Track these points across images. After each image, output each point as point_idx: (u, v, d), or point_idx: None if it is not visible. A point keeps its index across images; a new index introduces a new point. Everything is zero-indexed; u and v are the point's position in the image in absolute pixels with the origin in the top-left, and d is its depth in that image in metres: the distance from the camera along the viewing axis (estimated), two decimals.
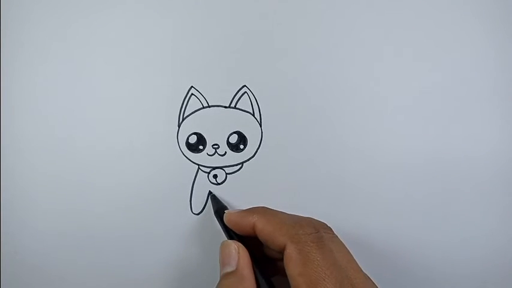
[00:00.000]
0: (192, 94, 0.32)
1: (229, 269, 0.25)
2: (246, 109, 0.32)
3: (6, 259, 0.32)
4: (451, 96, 0.32)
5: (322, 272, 0.22)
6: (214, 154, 0.32)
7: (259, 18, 0.32)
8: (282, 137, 0.32)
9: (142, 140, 0.32)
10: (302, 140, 0.32)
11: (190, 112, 0.32)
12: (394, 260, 0.32)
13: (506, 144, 0.32)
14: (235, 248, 0.25)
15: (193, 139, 0.32)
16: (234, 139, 0.32)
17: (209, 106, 0.32)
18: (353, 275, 0.23)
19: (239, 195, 0.32)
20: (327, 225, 0.25)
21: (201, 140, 0.32)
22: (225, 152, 0.32)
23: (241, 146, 0.32)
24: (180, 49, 0.32)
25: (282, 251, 0.24)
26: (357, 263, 0.24)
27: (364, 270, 0.24)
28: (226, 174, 0.32)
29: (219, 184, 0.32)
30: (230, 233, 0.27)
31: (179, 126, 0.32)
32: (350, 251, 0.24)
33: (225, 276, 0.25)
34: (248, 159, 0.32)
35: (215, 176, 0.32)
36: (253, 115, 0.32)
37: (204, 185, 0.32)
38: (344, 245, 0.25)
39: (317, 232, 0.24)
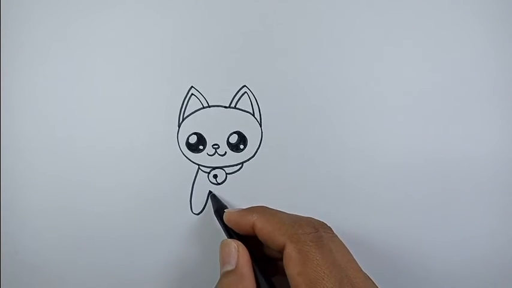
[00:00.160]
0: (192, 94, 0.32)
1: (229, 268, 0.25)
2: (246, 109, 0.32)
3: (6, 259, 0.32)
4: (451, 96, 0.32)
5: (322, 271, 0.22)
6: (214, 154, 0.32)
7: (259, 18, 0.32)
8: (282, 137, 0.32)
9: (143, 140, 0.32)
10: (302, 140, 0.32)
11: (191, 112, 0.32)
12: (394, 259, 0.32)
13: (506, 144, 0.32)
14: (235, 246, 0.25)
15: (193, 139, 0.32)
16: (234, 139, 0.32)
17: (209, 106, 0.32)
18: (352, 275, 0.23)
19: (239, 195, 0.32)
20: (326, 225, 0.25)
21: (201, 140, 0.32)
22: (225, 152, 0.32)
23: (241, 146, 0.32)
24: (180, 49, 0.32)
25: (281, 251, 0.24)
26: (356, 263, 0.24)
27: (364, 270, 0.24)
28: (226, 174, 0.32)
29: (219, 184, 0.32)
30: (230, 232, 0.27)
31: (179, 126, 0.32)
32: (350, 251, 0.24)
33: (224, 275, 0.25)
34: (248, 159, 0.32)
35: (215, 176, 0.32)
36: (253, 115, 0.32)
37: (204, 185, 0.32)
38: (344, 245, 0.25)
39: (316, 231, 0.24)
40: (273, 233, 0.24)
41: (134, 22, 0.32)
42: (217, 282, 0.25)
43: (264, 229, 0.25)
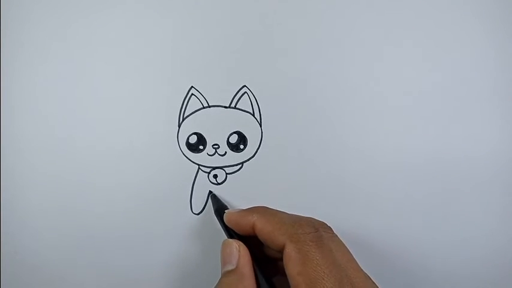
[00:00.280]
0: (192, 94, 0.32)
1: (229, 268, 0.25)
2: (246, 109, 0.32)
3: (6, 259, 0.32)
4: (451, 96, 0.32)
5: (321, 271, 0.22)
6: (214, 154, 0.32)
7: (259, 18, 0.32)
8: (282, 137, 0.32)
9: (143, 140, 0.32)
10: (302, 140, 0.32)
11: (191, 112, 0.32)
12: (393, 259, 0.32)
13: (506, 144, 0.32)
14: (236, 246, 0.25)
15: (193, 139, 0.32)
16: (234, 139, 0.32)
17: (209, 106, 0.32)
18: (353, 274, 0.23)
19: (239, 195, 0.32)
20: (326, 225, 0.25)
21: (201, 140, 0.32)
22: (225, 152, 0.32)
23: (241, 146, 0.32)
24: (180, 49, 0.32)
25: (281, 251, 0.24)
26: (356, 262, 0.24)
27: (363, 270, 0.24)
28: (227, 174, 0.32)
29: (219, 184, 0.32)
30: (230, 233, 0.27)
31: (179, 126, 0.32)
32: (350, 251, 0.24)
33: (225, 274, 0.25)
34: (248, 159, 0.32)
35: (215, 176, 0.32)
36: (253, 115, 0.32)
37: (204, 185, 0.32)
38: (344, 245, 0.25)
39: (316, 231, 0.24)
40: (273, 233, 0.24)
41: (134, 22, 0.32)
42: (217, 281, 0.25)
43: (264, 229, 0.25)
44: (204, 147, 0.32)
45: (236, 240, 0.26)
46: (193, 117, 0.32)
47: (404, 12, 0.32)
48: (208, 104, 0.32)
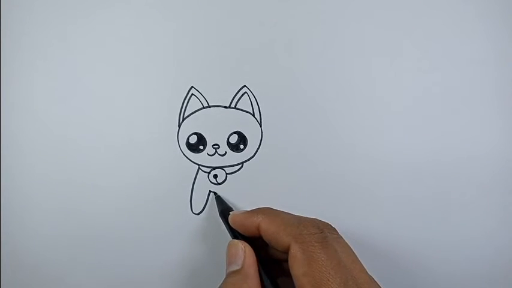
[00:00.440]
0: (192, 94, 0.32)
1: (234, 268, 0.25)
2: (246, 109, 0.32)
3: (6, 259, 0.32)
4: (451, 96, 0.32)
5: (327, 272, 0.22)
6: (214, 154, 0.32)
7: (259, 18, 0.32)
8: (282, 137, 0.32)
9: (143, 140, 0.32)
10: (302, 140, 0.32)
11: (191, 112, 0.32)
12: (393, 259, 0.32)
13: (506, 144, 0.32)
14: (242, 247, 0.25)
15: (193, 139, 0.32)
16: (234, 139, 0.32)
17: (209, 106, 0.32)
18: (358, 275, 0.22)
19: (239, 195, 0.32)
20: (331, 226, 0.25)
21: (201, 140, 0.32)
22: (225, 152, 0.32)
23: (241, 146, 0.32)
24: (180, 49, 0.32)
25: (286, 251, 0.24)
26: (361, 264, 0.24)
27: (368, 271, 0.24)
28: (227, 174, 0.32)
29: (219, 184, 0.32)
30: (235, 234, 0.27)
31: (179, 126, 0.32)
32: (355, 252, 0.24)
33: (230, 275, 0.25)
34: (248, 159, 0.32)
35: (215, 176, 0.32)
36: (253, 115, 0.32)
37: (204, 185, 0.32)
38: (348, 246, 0.24)
39: (321, 232, 0.24)
40: (278, 233, 0.24)
41: (134, 22, 0.32)
42: (222, 281, 0.25)
43: (269, 230, 0.25)
44: (204, 147, 0.32)
45: (242, 241, 0.26)
46: (193, 117, 0.32)
47: (404, 12, 0.32)
48: (208, 104, 0.32)
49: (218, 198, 0.31)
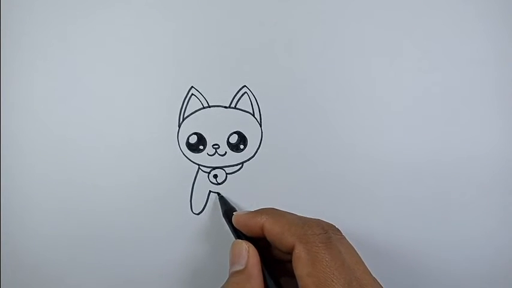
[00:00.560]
0: (192, 94, 0.32)
1: (238, 268, 0.25)
2: (246, 109, 0.32)
3: (6, 259, 0.32)
4: (451, 96, 0.32)
5: (331, 272, 0.22)
6: (214, 154, 0.32)
7: (259, 18, 0.32)
8: (282, 137, 0.32)
9: (143, 140, 0.32)
10: (302, 140, 0.32)
11: (191, 112, 0.32)
12: (393, 259, 0.32)
13: (506, 144, 0.32)
14: (246, 247, 0.25)
15: (193, 139, 0.32)
16: (234, 139, 0.32)
17: (209, 106, 0.32)
18: (361, 276, 0.22)
19: (239, 195, 0.32)
20: (335, 227, 0.25)
21: (202, 140, 0.32)
22: (225, 152, 0.32)
23: (241, 146, 0.32)
24: (180, 49, 0.32)
25: (290, 252, 0.24)
26: (365, 265, 0.24)
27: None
28: (227, 174, 0.32)
29: (219, 184, 0.32)
30: (239, 234, 0.27)
31: (179, 127, 0.32)
32: (358, 253, 0.24)
33: (233, 274, 0.25)
34: (248, 159, 0.32)
35: (215, 176, 0.32)
36: (253, 115, 0.32)
37: (204, 185, 0.32)
38: (352, 247, 0.24)
39: (326, 233, 0.24)
40: (283, 234, 0.24)
41: (134, 22, 0.32)
42: (225, 281, 0.25)
43: (273, 230, 0.25)
44: (204, 147, 0.32)
45: (246, 241, 0.26)
46: (194, 117, 0.32)
47: (404, 12, 0.32)
48: (208, 104, 0.32)
49: (222, 199, 0.31)
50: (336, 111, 0.32)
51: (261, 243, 0.26)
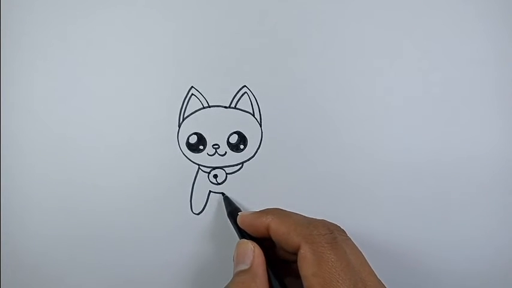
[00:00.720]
0: (192, 94, 0.32)
1: (243, 267, 0.25)
2: (246, 109, 0.32)
3: (6, 259, 0.32)
4: (451, 96, 0.32)
5: (336, 273, 0.22)
6: (214, 154, 0.32)
7: (260, 18, 0.32)
8: (282, 137, 0.32)
9: (143, 140, 0.32)
10: (302, 140, 0.32)
11: (191, 112, 0.32)
12: (393, 259, 0.32)
13: (506, 144, 0.32)
14: (252, 247, 0.25)
15: (193, 139, 0.32)
16: (234, 139, 0.32)
17: (209, 106, 0.32)
18: (366, 278, 0.22)
19: (239, 195, 0.32)
20: (340, 227, 0.25)
21: (201, 140, 0.32)
22: (225, 152, 0.32)
23: (241, 146, 0.32)
24: (180, 49, 0.32)
25: (295, 252, 0.24)
26: (370, 266, 0.23)
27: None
28: (227, 174, 0.32)
29: (219, 184, 0.32)
30: (243, 234, 0.27)
31: (179, 127, 0.32)
32: (363, 254, 0.24)
33: (238, 274, 0.25)
34: (248, 159, 0.32)
35: (215, 176, 0.32)
36: (253, 115, 0.32)
37: (204, 185, 0.32)
38: (357, 248, 0.24)
39: (331, 233, 0.24)
40: (288, 234, 0.24)
41: (135, 22, 0.32)
42: (229, 280, 0.25)
43: (279, 230, 0.25)
44: (204, 147, 0.32)
45: (251, 241, 0.26)
46: (194, 117, 0.32)
47: (404, 12, 0.32)
48: (208, 104, 0.32)
49: (226, 199, 0.31)
50: (335, 111, 0.32)
51: (265, 243, 0.26)
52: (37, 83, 0.32)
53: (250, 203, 0.31)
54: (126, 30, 0.32)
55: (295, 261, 0.23)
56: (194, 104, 0.32)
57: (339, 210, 0.32)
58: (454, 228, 0.32)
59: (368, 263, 0.24)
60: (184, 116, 0.32)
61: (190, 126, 0.32)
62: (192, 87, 0.32)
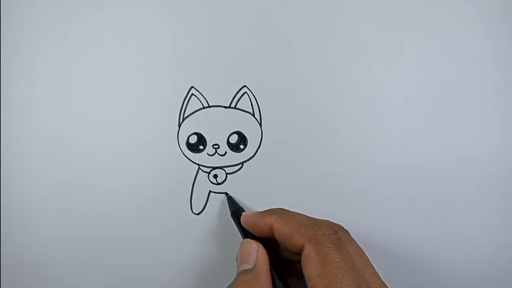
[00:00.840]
0: (192, 94, 0.32)
1: (247, 267, 0.25)
2: (246, 109, 0.32)
3: (6, 259, 0.32)
4: (451, 96, 0.32)
5: (341, 273, 0.22)
6: (214, 154, 0.32)
7: (259, 18, 0.32)
8: (282, 137, 0.32)
9: (143, 140, 0.32)
10: (302, 140, 0.32)
11: (191, 112, 0.32)
12: (393, 259, 0.32)
13: (506, 144, 0.32)
14: (255, 247, 0.25)
15: (193, 139, 0.32)
16: (234, 139, 0.32)
17: (209, 106, 0.32)
18: (370, 279, 0.22)
19: (239, 195, 0.32)
20: (343, 228, 0.25)
21: (202, 140, 0.32)
22: (225, 152, 0.32)
23: (241, 146, 0.32)
24: (180, 49, 0.32)
25: (299, 252, 0.24)
26: (373, 267, 0.23)
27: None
28: (227, 174, 0.32)
29: (219, 184, 0.32)
30: (247, 234, 0.27)
31: (179, 127, 0.32)
32: (367, 255, 0.24)
33: (242, 273, 0.25)
34: (248, 159, 0.32)
35: (215, 176, 0.32)
36: (253, 115, 0.32)
37: (204, 185, 0.32)
38: (361, 249, 0.24)
39: (335, 233, 0.24)
40: (292, 234, 0.24)
41: (135, 22, 0.32)
42: (233, 280, 0.25)
43: (283, 230, 0.25)
44: (204, 147, 0.32)
45: (255, 241, 0.26)
46: (194, 117, 0.32)
47: (404, 12, 0.32)
48: (208, 104, 0.32)
49: (230, 199, 0.31)
50: (335, 111, 0.32)
51: (269, 243, 0.26)
52: (37, 83, 0.32)
53: (250, 203, 0.31)
54: (126, 30, 0.32)
55: (299, 262, 0.23)
56: (194, 104, 0.32)
57: (338, 210, 0.32)
58: (454, 228, 0.32)
59: (372, 264, 0.24)
60: (184, 116, 0.32)
61: (190, 126, 0.32)
62: (192, 87, 0.32)
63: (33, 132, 0.32)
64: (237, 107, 0.32)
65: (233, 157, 0.32)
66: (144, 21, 0.32)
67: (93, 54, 0.32)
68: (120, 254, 0.32)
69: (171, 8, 0.32)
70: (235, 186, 0.32)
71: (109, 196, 0.32)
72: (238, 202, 0.31)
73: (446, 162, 0.32)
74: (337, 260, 0.22)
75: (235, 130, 0.32)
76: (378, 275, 0.23)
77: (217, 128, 0.32)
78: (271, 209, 0.27)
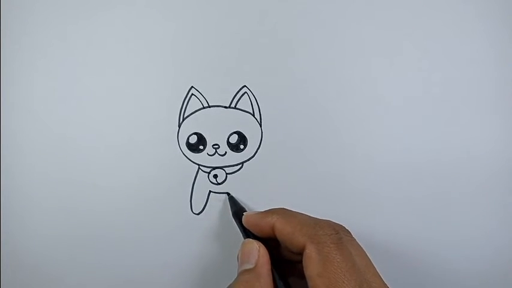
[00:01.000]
0: (192, 94, 0.32)
1: (248, 266, 0.25)
2: (246, 109, 0.32)
3: (6, 259, 0.32)
4: (451, 96, 0.32)
5: (342, 273, 0.22)
6: (214, 154, 0.32)
7: (259, 18, 0.32)
8: (282, 137, 0.32)
9: (143, 140, 0.32)
10: (302, 140, 0.32)
11: (191, 112, 0.32)
12: (393, 259, 0.32)
13: (506, 144, 0.32)
14: (257, 247, 0.25)
15: (193, 139, 0.32)
16: (234, 139, 0.32)
17: (209, 106, 0.32)
18: (371, 279, 0.22)
19: (239, 195, 0.32)
20: (345, 228, 0.25)
21: (202, 140, 0.32)
22: (225, 152, 0.32)
23: (241, 146, 0.32)
24: (180, 49, 0.32)
25: (301, 252, 0.24)
26: (375, 268, 0.23)
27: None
28: (227, 174, 0.32)
29: (219, 184, 0.32)
30: (248, 234, 0.27)
31: (179, 127, 0.32)
32: (368, 255, 0.24)
33: (243, 273, 0.25)
34: (248, 159, 0.32)
35: (215, 176, 0.32)
36: (253, 115, 0.32)
37: (204, 185, 0.32)
38: (362, 249, 0.24)
39: (337, 233, 0.24)
40: (294, 234, 0.24)
41: (135, 22, 0.32)
42: (234, 279, 0.25)
43: (284, 230, 0.25)
44: (204, 147, 0.32)
45: (256, 241, 0.26)
46: (194, 117, 0.32)
47: (404, 13, 0.32)
48: (208, 104, 0.32)
49: (231, 199, 0.31)
50: (336, 111, 0.32)
51: (270, 243, 0.26)
52: (37, 83, 0.32)
53: (250, 203, 0.31)
54: (126, 30, 0.32)
55: (300, 261, 0.23)
56: (194, 104, 0.32)
57: (338, 210, 0.32)
58: (454, 228, 0.32)
59: (373, 264, 0.24)
60: (184, 116, 0.32)
61: (190, 126, 0.32)
62: (192, 87, 0.32)
63: (33, 132, 0.32)
64: (237, 107, 0.32)
65: (233, 157, 0.32)
66: (144, 21, 0.32)
67: (93, 54, 0.32)
68: (120, 254, 0.32)
69: (171, 8, 0.32)
70: (235, 186, 0.32)
71: (109, 196, 0.32)
72: (239, 202, 0.31)
73: (446, 162, 0.32)
74: (338, 260, 0.22)
75: (235, 130, 0.32)
76: (379, 275, 0.23)
77: (217, 128, 0.32)
78: (273, 208, 0.27)
